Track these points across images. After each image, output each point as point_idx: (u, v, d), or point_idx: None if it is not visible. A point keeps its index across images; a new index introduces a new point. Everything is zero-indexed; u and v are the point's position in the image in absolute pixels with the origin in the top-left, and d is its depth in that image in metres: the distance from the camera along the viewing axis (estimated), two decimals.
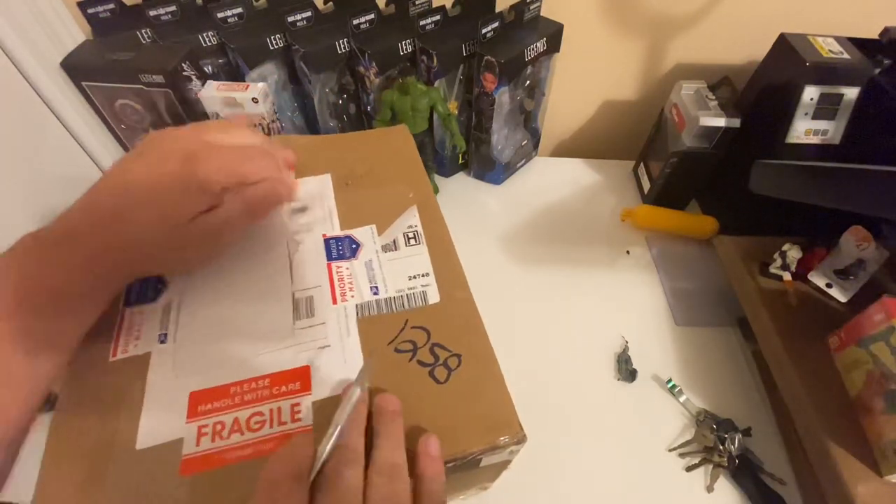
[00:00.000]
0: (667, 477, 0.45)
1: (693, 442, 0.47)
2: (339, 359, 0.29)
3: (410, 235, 0.36)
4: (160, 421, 0.26)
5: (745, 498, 0.44)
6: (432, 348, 0.30)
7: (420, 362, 0.29)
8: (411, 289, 0.32)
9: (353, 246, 0.34)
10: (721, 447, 0.45)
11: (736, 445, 0.45)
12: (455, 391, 0.28)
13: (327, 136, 0.43)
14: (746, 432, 0.47)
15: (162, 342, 0.29)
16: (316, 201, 0.37)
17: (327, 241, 0.34)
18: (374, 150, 0.42)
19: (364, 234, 0.35)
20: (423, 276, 0.33)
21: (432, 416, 0.27)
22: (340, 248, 0.34)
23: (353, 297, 0.31)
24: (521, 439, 0.27)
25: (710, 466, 0.45)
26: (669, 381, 0.50)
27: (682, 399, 0.49)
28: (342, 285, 0.32)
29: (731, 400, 0.50)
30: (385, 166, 0.40)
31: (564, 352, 0.54)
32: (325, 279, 0.32)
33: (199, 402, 0.27)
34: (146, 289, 0.31)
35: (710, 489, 0.44)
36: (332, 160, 0.40)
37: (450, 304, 0.32)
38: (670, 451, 0.46)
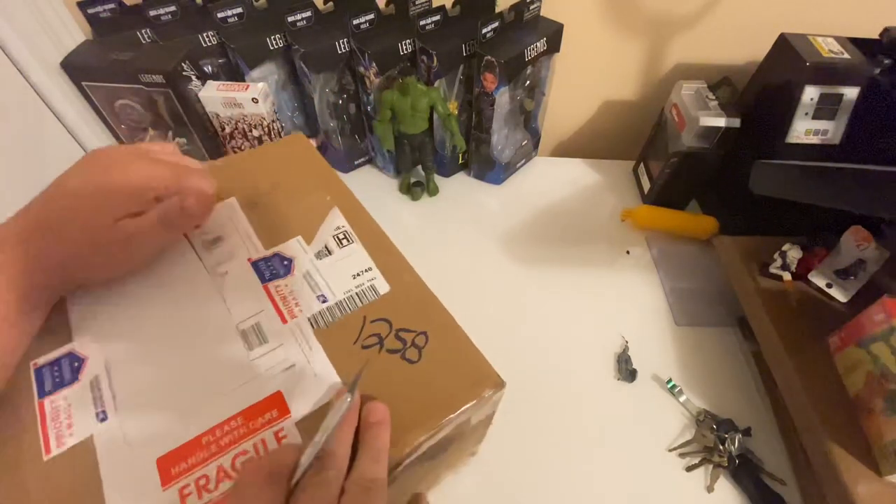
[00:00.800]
0: (667, 477, 0.45)
1: (693, 442, 0.47)
2: (308, 374, 0.28)
3: (341, 237, 0.35)
4: (131, 499, 0.24)
5: (745, 498, 0.44)
6: (397, 334, 0.30)
7: (389, 350, 0.30)
8: (359, 286, 0.32)
9: (285, 262, 0.33)
10: (721, 447, 0.45)
11: (736, 445, 0.45)
12: (431, 365, 0.29)
13: (219, 161, 0.41)
14: (746, 432, 0.47)
15: (102, 420, 0.26)
16: (228, 228, 0.35)
17: (254, 263, 0.33)
18: (274, 165, 0.40)
19: (292, 247, 0.34)
20: (366, 271, 0.33)
21: (417, 394, 0.28)
22: (272, 268, 0.33)
23: (301, 311, 0.31)
24: (501, 385, 0.29)
25: (710, 466, 0.45)
26: (669, 381, 0.50)
27: (682, 399, 0.49)
28: (286, 303, 0.31)
29: (731, 400, 0.50)
30: (290, 177, 0.39)
31: (564, 351, 0.54)
32: (265, 302, 0.31)
33: (171, 465, 0.25)
34: (60, 371, 0.28)
35: (710, 489, 0.44)
36: (232, 183, 0.38)
37: (400, 288, 0.33)
38: (670, 451, 0.46)
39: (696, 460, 0.46)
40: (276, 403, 0.27)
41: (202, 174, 0.32)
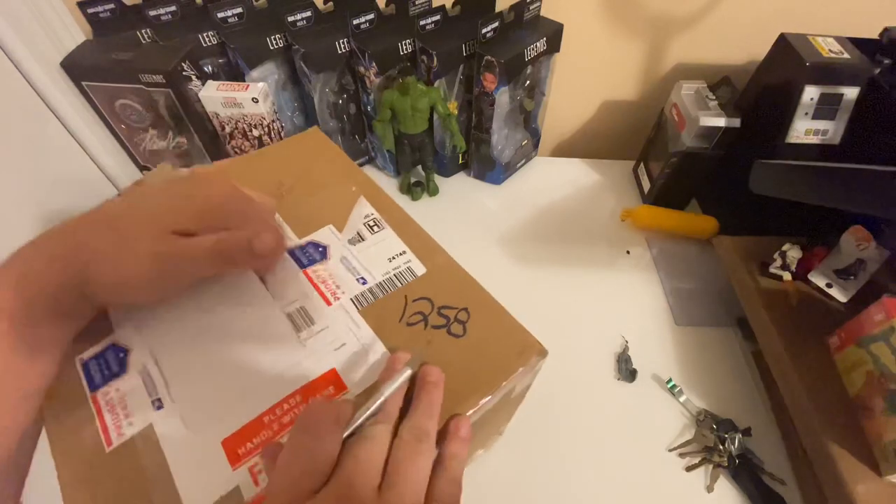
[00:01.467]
0: (667, 477, 0.45)
1: (693, 442, 0.47)
2: (360, 351, 0.29)
3: (371, 223, 0.36)
4: (203, 482, 0.24)
5: (745, 498, 0.44)
6: (439, 311, 0.31)
7: (434, 326, 0.31)
8: (396, 268, 0.33)
9: (320, 249, 0.34)
10: (721, 447, 0.45)
11: (736, 445, 0.45)
12: (476, 338, 0.30)
13: (237, 158, 0.41)
14: (746, 432, 0.47)
15: (158, 408, 0.26)
16: None
17: (290, 251, 0.33)
18: (295, 160, 0.41)
19: (325, 235, 0.35)
20: (400, 255, 0.34)
21: (468, 365, 0.29)
22: (308, 255, 0.33)
23: (344, 293, 0.31)
24: (544, 353, 0.31)
25: (710, 466, 0.45)
26: (669, 381, 0.50)
27: (682, 399, 0.49)
28: (328, 286, 0.32)
29: (731, 400, 0.50)
30: (313, 171, 0.40)
31: (564, 351, 0.53)
32: (307, 287, 0.32)
33: (237, 446, 0.25)
34: (107, 363, 0.28)
35: (710, 489, 0.44)
36: (254, 179, 0.38)
37: (436, 269, 0.34)
38: (670, 451, 0.46)
39: (696, 460, 0.46)
40: (332, 380, 0.28)
41: (278, 229, 0.30)
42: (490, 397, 0.28)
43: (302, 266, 0.33)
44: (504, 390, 0.29)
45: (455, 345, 0.30)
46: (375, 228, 0.36)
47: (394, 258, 0.34)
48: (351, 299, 0.31)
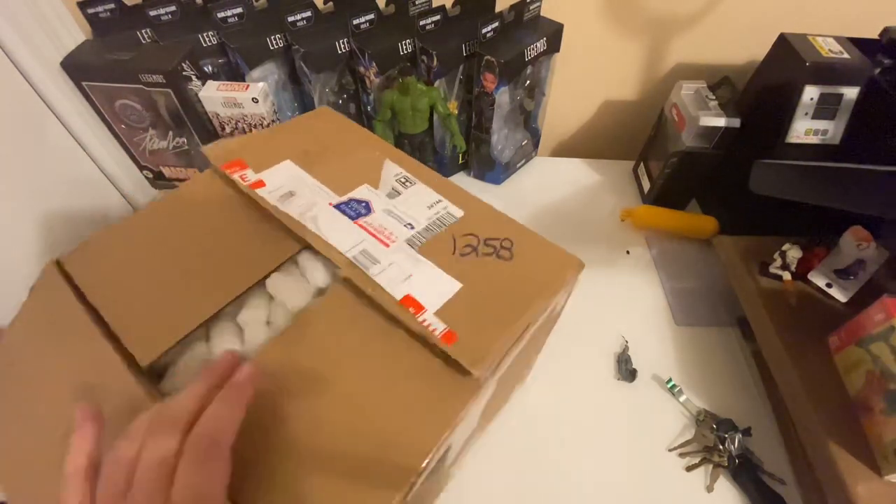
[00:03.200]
0: (667, 477, 0.45)
1: (693, 442, 0.47)
2: (426, 279, 0.32)
3: (402, 180, 0.39)
4: None
5: (745, 498, 0.44)
6: (486, 242, 0.35)
7: (485, 254, 0.35)
8: (437, 213, 0.37)
9: (363, 204, 0.37)
10: (721, 447, 0.45)
11: (736, 445, 0.45)
12: (524, 260, 0.34)
13: (254, 135, 0.43)
14: (746, 432, 0.47)
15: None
16: (296, 183, 0.38)
17: (338, 206, 0.36)
18: (315, 132, 0.44)
19: (363, 192, 0.38)
20: (437, 202, 0.38)
21: (521, 283, 0.33)
22: (353, 208, 0.36)
23: (398, 236, 0.35)
24: (581, 266, 0.35)
25: (710, 466, 0.45)
26: (669, 380, 0.50)
27: (682, 399, 0.49)
28: (381, 232, 0.35)
29: (731, 400, 0.50)
30: (336, 140, 0.42)
31: (564, 351, 0.53)
32: (363, 234, 0.34)
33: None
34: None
35: (710, 489, 0.44)
36: (280, 149, 0.41)
37: (472, 211, 0.38)
38: (670, 451, 0.46)
39: (696, 460, 0.46)
40: (411, 303, 0.31)
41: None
42: (543, 309, 0.32)
43: (352, 219, 0.35)
44: (552, 304, 0.34)
45: (506, 267, 0.34)
46: (408, 184, 0.39)
47: (432, 206, 0.38)
48: (405, 241, 0.34)
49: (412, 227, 0.35)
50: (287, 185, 0.37)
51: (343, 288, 0.33)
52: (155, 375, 0.30)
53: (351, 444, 0.26)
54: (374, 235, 0.34)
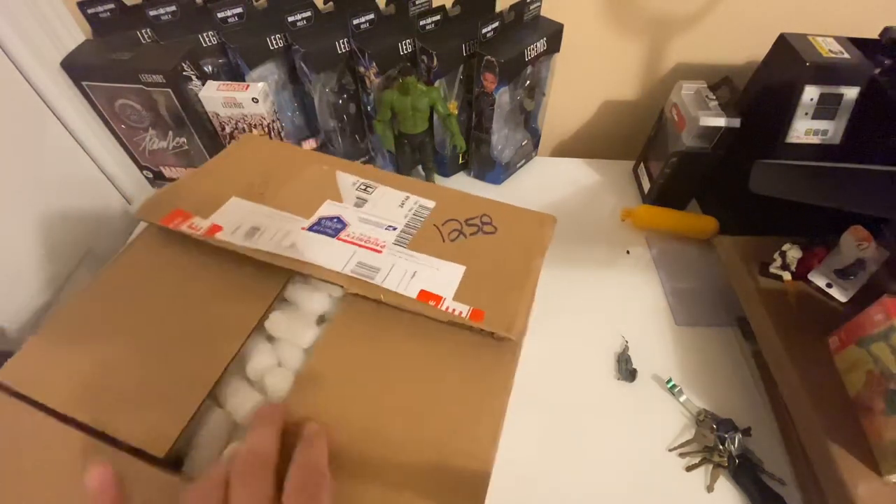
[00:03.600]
0: (667, 477, 0.45)
1: (693, 442, 0.47)
2: (433, 271, 0.33)
3: (363, 187, 0.40)
4: None
5: (745, 498, 0.44)
6: (467, 223, 0.37)
7: (471, 234, 0.36)
8: (410, 209, 0.38)
9: (335, 219, 0.37)
10: (721, 447, 0.45)
11: (736, 445, 0.45)
12: (507, 229, 0.37)
13: (189, 175, 0.40)
14: (746, 432, 0.47)
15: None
16: (255, 217, 0.36)
17: (311, 228, 0.35)
18: (249, 162, 0.42)
19: (330, 208, 0.38)
20: (406, 199, 0.38)
21: (514, 249, 0.35)
22: (329, 226, 0.36)
23: (385, 240, 0.35)
24: (554, 220, 0.39)
25: (710, 466, 0.45)
26: (669, 380, 0.50)
27: (682, 399, 0.49)
28: (367, 241, 0.35)
29: (731, 400, 0.50)
30: (273, 166, 0.41)
31: (564, 351, 0.54)
32: (351, 248, 0.34)
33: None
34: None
35: (710, 489, 0.44)
36: (220, 189, 0.38)
37: (442, 199, 0.39)
38: (670, 451, 0.46)
39: (696, 460, 0.46)
40: (429, 297, 0.32)
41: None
42: (541, 265, 0.35)
43: (332, 236, 0.35)
44: (544, 259, 0.36)
45: (494, 240, 0.36)
46: (369, 189, 0.39)
47: (403, 203, 0.38)
48: (393, 243, 0.35)
49: (394, 228, 0.36)
50: (247, 222, 0.35)
51: (350, 305, 0.32)
52: (174, 456, 0.27)
53: (416, 453, 0.26)
54: (362, 246, 0.34)
